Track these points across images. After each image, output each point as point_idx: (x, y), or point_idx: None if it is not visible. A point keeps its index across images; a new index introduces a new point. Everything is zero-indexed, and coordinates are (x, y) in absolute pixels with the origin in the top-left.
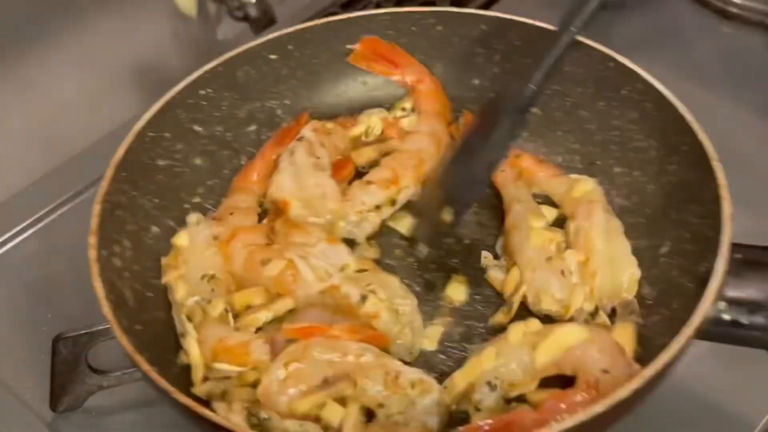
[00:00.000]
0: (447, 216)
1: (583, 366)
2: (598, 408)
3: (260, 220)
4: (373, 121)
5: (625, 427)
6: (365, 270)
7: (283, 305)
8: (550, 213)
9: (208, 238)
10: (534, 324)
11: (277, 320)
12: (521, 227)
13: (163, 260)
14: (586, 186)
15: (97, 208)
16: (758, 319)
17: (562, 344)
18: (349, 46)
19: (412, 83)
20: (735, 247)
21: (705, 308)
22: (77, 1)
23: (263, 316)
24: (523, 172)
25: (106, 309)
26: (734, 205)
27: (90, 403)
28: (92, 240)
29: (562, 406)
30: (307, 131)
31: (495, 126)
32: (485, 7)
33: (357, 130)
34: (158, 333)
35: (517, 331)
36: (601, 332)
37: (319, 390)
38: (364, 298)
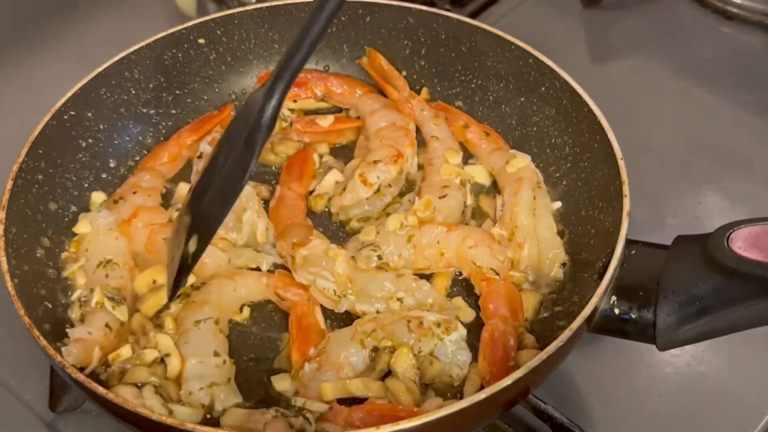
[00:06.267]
0: (192, 246)
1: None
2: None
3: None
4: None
5: (628, 423)
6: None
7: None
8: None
9: (110, 223)
10: (412, 219)
11: (183, 295)
12: (436, 162)
13: (64, 254)
14: (520, 162)
15: (9, 184)
16: (646, 315)
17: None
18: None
19: (322, 91)
20: (630, 243)
21: (595, 301)
22: (77, 1)
23: (163, 297)
24: (467, 142)
25: (10, 284)
26: (735, 203)
27: (89, 403)
28: (1, 215)
29: None
30: (203, 145)
31: (231, 154)
32: (484, 8)
33: None
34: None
35: (395, 220)
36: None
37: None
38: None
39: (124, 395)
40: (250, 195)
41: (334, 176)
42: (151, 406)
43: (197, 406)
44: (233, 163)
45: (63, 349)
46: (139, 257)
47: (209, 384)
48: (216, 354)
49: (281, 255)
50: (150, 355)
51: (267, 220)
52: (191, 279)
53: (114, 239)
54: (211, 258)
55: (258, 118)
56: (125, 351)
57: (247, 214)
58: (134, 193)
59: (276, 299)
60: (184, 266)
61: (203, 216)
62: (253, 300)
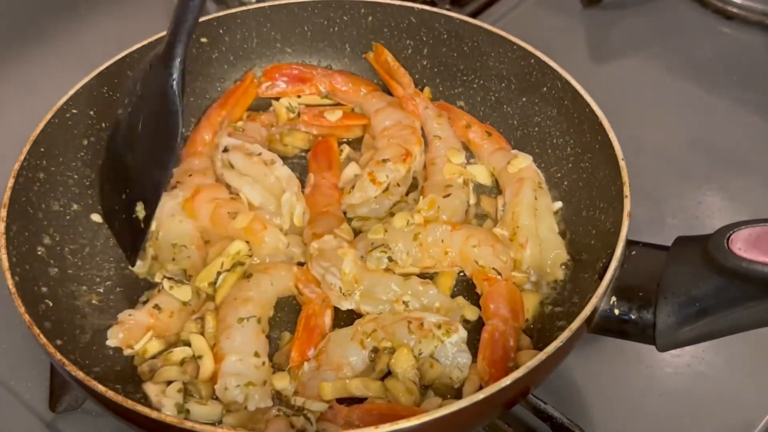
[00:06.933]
0: (140, 212)
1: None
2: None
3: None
4: (281, 110)
5: (628, 423)
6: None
7: (234, 247)
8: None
9: (172, 208)
10: (417, 217)
11: (237, 264)
12: (439, 162)
13: None
14: (522, 163)
15: (11, 182)
16: (646, 315)
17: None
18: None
19: (327, 87)
20: (630, 244)
21: (595, 302)
22: (77, 1)
23: (216, 266)
24: (469, 142)
25: (11, 282)
26: (735, 203)
27: (89, 403)
28: (2, 213)
29: None
30: (225, 140)
31: (149, 116)
32: (484, 8)
33: (267, 119)
34: (71, 312)
35: (402, 218)
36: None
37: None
38: None
39: (148, 391)
40: (290, 178)
41: (353, 169)
42: (158, 403)
43: (230, 403)
44: (160, 126)
45: (108, 330)
46: (207, 233)
47: (246, 383)
48: (256, 355)
49: (305, 243)
50: (178, 354)
51: (305, 204)
52: (245, 247)
53: (179, 223)
54: (271, 237)
55: (170, 83)
56: (153, 346)
57: (286, 196)
58: (190, 176)
59: (295, 292)
60: (138, 230)
61: (141, 181)
62: (286, 293)
